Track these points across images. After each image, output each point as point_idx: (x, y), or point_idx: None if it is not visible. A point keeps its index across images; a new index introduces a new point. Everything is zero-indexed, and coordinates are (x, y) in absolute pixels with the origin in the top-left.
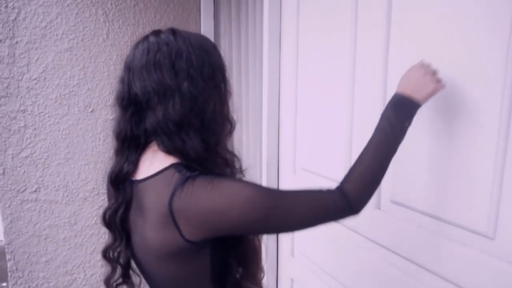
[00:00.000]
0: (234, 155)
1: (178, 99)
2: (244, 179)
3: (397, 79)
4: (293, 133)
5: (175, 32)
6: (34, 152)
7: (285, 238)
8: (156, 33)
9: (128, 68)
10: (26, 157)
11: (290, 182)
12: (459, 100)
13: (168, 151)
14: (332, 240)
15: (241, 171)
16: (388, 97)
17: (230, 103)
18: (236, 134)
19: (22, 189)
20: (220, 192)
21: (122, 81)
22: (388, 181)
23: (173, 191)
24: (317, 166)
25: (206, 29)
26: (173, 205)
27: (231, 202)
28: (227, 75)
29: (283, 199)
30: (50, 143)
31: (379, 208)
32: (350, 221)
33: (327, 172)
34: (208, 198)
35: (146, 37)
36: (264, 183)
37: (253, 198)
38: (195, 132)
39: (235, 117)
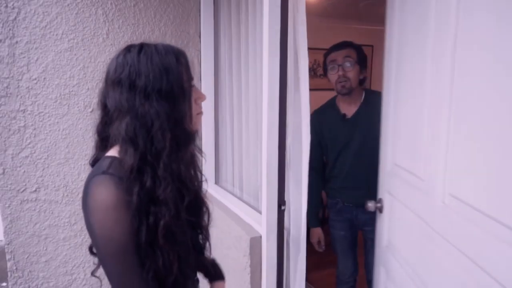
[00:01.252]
0: (187, 172)
1: (129, 119)
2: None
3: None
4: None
5: (141, 50)
6: (34, 152)
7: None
8: (128, 49)
9: (105, 79)
10: (26, 157)
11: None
12: None
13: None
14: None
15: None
16: None
17: (193, 112)
18: (236, 134)
19: (22, 189)
20: (88, 192)
21: (101, 87)
22: (453, 175)
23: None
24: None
25: (206, 29)
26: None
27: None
28: (187, 86)
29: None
30: (50, 143)
31: (443, 202)
32: (423, 211)
33: None
34: (84, 195)
35: (121, 52)
36: (265, 183)
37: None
38: (136, 149)
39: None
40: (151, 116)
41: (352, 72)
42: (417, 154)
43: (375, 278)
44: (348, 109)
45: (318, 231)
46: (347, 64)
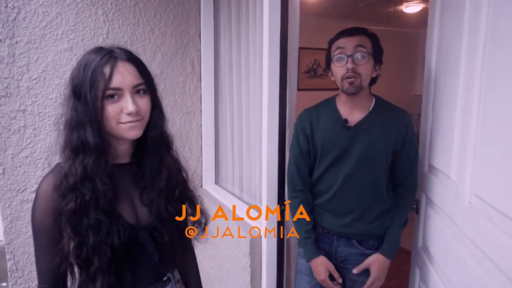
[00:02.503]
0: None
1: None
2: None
3: None
4: None
5: (83, 55)
6: (34, 152)
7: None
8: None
9: None
10: (26, 157)
11: None
12: None
13: None
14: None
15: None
16: None
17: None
18: (236, 134)
19: (22, 189)
20: None
21: None
22: (479, 176)
23: None
24: None
25: (206, 29)
26: None
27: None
28: (85, 92)
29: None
30: (50, 143)
31: (470, 203)
32: (453, 211)
33: None
34: None
35: None
36: (265, 183)
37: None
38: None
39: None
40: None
41: (364, 67)
42: (449, 156)
43: (411, 278)
44: (351, 114)
45: (321, 261)
46: (359, 56)
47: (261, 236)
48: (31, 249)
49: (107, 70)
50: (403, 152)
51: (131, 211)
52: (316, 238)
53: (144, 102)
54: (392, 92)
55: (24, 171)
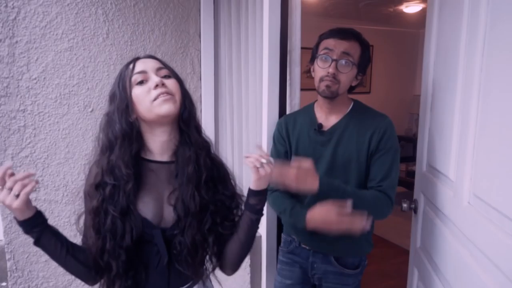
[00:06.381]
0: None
1: None
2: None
3: None
4: None
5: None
6: (34, 152)
7: None
8: None
9: None
10: (26, 156)
11: None
12: None
13: None
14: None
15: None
16: None
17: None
18: (236, 134)
19: None
20: None
21: None
22: (478, 175)
23: None
24: None
25: (206, 29)
26: None
27: None
28: (115, 90)
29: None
30: (50, 142)
31: (468, 202)
32: (451, 211)
33: None
34: None
35: None
36: None
37: None
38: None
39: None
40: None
41: (345, 75)
42: (448, 156)
43: (409, 278)
44: (327, 119)
45: (315, 210)
46: (343, 63)
47: (260, 236)
48: (31, 249)
49: (131, 66)
50: (377, 157)
51: (156, 209)
52: (292, 251)
53: (171, 82)
54: (392, 92)
55: (24, 171)
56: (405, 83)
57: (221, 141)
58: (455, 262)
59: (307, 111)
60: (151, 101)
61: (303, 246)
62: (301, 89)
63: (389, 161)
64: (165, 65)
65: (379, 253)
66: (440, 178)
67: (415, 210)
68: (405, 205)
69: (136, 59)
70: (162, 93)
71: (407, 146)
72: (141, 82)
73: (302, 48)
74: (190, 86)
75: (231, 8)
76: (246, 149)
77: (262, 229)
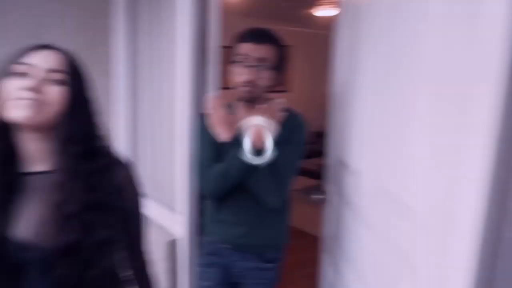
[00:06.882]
0: None
1: None
2: None
3: None
4: None
5: None
6: None
7: None
8: None
9: None
10: None
11: None
12: None
13: None
14: None
15: None
16: None
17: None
18: (156, 135)
19: None
20: None
21: None
22: (374, 163)
23: None
24: None
25: (122, 25)
26: None
27: None
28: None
29: None
30: None
31: (370, 190)
32: (352, 195)
33: None
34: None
35: None
36: (186, 184)
37: None
38: None
39: None
40: None
41: (263, 80)
42: (352, 149)
43: (322, 265)
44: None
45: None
46: (260, 68)
47: (178, 239)
48: None
49: (24, 52)
50: (280, 154)
51: (32, 228)
52: (212, 252)
53: (55, 90)
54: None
55: None
56: (316, 83)
57: (138, 144)
58: (360, 246)
59: (229, 110)
60: (9, 98)
61: (224, 244)
62: (227, 88)
63: (287, 157)
64: (67, 70)
65: (297, 244)
66: (345, 168)
67: (326, 201)
68: (318, 196)
69: (36, 47)
70: (28, 99)
71: (321, 141)
72: (20, 74)
73: (225, 47)
74: (103, 85)
75: (150, 4)
76: (162, 149)
77: (184, 232)
